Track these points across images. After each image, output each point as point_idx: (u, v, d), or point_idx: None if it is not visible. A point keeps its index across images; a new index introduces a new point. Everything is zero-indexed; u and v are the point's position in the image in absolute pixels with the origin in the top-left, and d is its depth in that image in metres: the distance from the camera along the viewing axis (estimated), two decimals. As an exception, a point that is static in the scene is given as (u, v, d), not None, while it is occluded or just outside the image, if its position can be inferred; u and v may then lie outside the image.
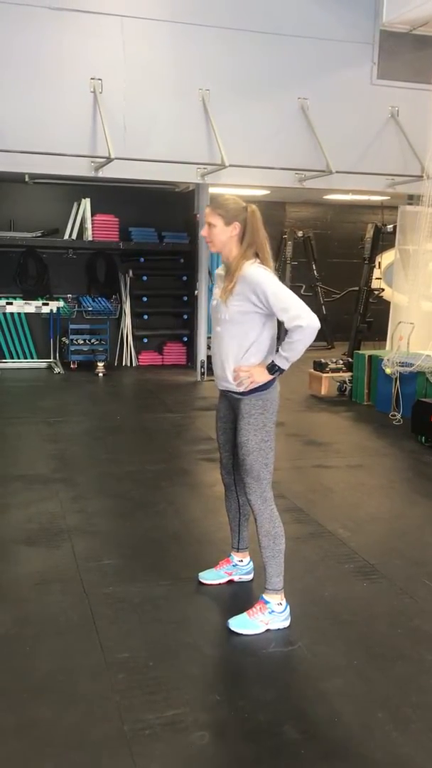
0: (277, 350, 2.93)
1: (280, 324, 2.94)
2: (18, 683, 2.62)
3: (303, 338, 2.80)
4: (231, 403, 3.11)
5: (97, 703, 2.51)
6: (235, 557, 3.43)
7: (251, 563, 3.46)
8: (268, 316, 2.91)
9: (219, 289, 3.04)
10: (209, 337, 8.95)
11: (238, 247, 2.94)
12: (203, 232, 3.01)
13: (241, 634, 2.96)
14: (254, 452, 2.96)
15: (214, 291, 3.12)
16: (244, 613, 3.03)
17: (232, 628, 2.98)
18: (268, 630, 2.99)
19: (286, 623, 3.03)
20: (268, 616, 3.01)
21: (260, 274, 2.86)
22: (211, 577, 3.42)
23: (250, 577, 3.45)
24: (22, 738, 2.34)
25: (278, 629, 3.00)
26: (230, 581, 3.42)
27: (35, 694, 2.56)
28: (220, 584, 3.40)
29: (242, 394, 2.98)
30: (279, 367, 2.88)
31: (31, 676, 2.66)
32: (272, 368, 2.90)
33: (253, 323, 2.92)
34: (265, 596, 3.04)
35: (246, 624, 2.99)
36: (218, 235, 2.94)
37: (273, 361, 2.90)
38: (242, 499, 3.28)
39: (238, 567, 3.43)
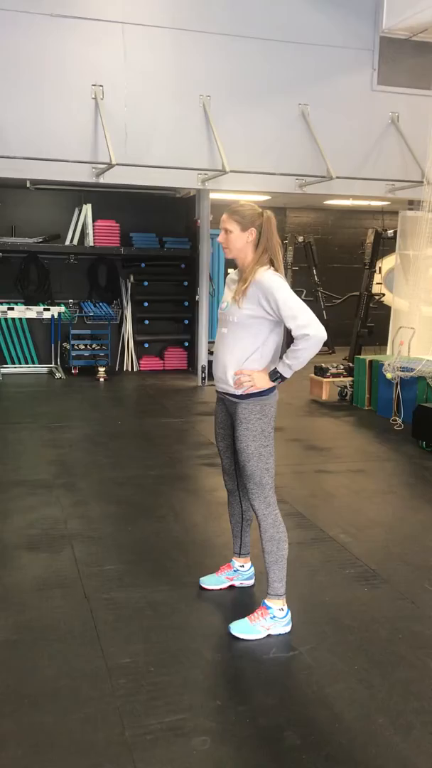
0: (281, 358, 2.94)
1: (286, 333, 2.95)
2: (19, 688, 2.62)
3: (308, 347, 2.81)
4: (228, 408, 3.11)
5: (99, 708, 2.51)
6: (237, 562, 3.43)
7: (252, 568, 3.46)
8: (276, 323, 2.92)
9: (231, 291, 3.04)
10: (210, 342, 8.98)
11: (254, 253, 2.95)
12: (220, 238, 3.02)
13: (243, 639, 2.96)
14: (254, 458, 2.97)
15: (225, 294, 3.12)
16: (246, 618, 3.03)
17: (234, 633, 2.98)
18: (269, 635, 2.99)
19: (287, 628, 3.03)
20: (269, 622, 3.01)
21: (274, 281, 2.88)
22: (213, 582, 3.42)
23: (251, 582, 3.45)
24: (23, 743, 2.34)
25: (279, 634, 3.00)
26: (231, 586, 3.42)
27: (37, 699, 2.56)
28: (221, 589, 3.40)
29: (240, 397, 2.98)
30: (281, 375, 2.90)
31: (32, 682, 2.66)
32: (274, 375, 2.91)
33: (261, 328, 2.93)
34: (267, 601, 3.05)
35: (247, 629, 2.99)
36: (235, 241, 2.96)
37: (275, 368, 2.91)
38: (245, 505, 3.29)
39: (239, 572, 3.43)
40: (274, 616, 3.01)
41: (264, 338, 2.94)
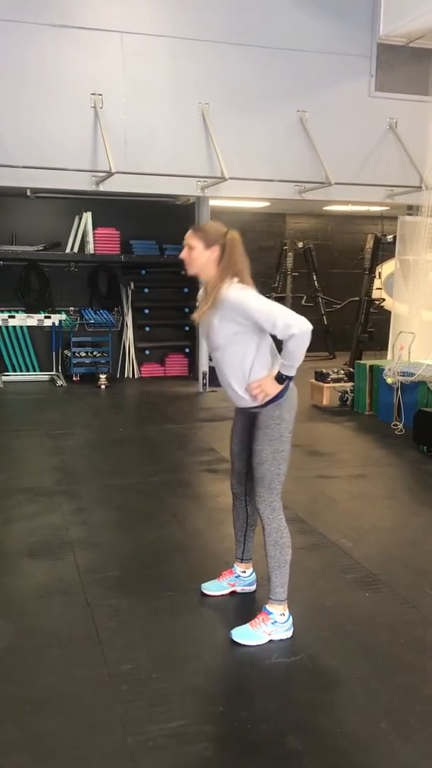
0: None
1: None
2: (22, 695, 2.63)
3: (299, 344, 2.84)
4: (249, 416, 3.14)
5: (101, 714, 2.51)
6: (238, 568, 3.44)
7: (254, 574, 3.46)
8: (260, 330, 2.95)
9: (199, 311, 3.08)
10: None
11: (217, 270, 2.98)
12: (182, 254, 3.06)
13: (244, 645, 2.96)
14: (267, 461, 3.00)
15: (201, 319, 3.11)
16: (247, 624, 3.03)
17: (235, 639, 2.98)
18: (270, 641, 2.99)
19: (289, 634, 3.04)
20: (270, 627, 3.01)
21: (239, 295, 2.90)
22: (214, 588, 3.43)
23: (252, 588, 3.46)
24: (25, 750, 2.34)
25: (281, 640, 3.00)
26: (233, 592, 3.43)
27: (39, 705, 2.57)
28: (222, 595, 3.41)
29: (261, 407, 3.02)
30: (287, 375, 2.93)
31: (34, 688, 2.67)
32: (280, 378, 2.94)
33: (248, 340, 2.97)
34: (268, 607, 3.05)
35: (249, 635, 2.99)
36: (197, 257, 3.00)
37: (279, 371, 2.93)
38: (250, 509, 3.31)
39: (240, 578, 3.44)
40: (276, 622, 3.02)
41: (256, 347, 2.98)
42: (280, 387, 2.96)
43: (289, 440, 3.05)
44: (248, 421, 3.16)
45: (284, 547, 3.04)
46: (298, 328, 2.80)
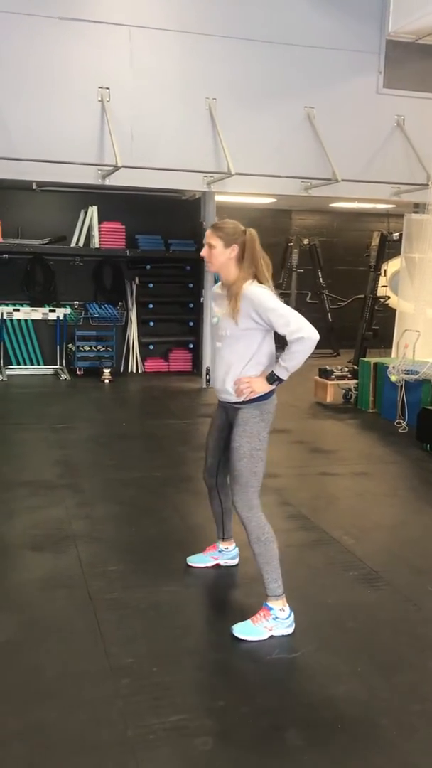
0: (277, 360, 3.02)
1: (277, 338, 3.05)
2: (23, 687, 2.63)
3: (303, 349, 2.90)
4: (228, 413, 3.23)
5: (102, 707, 2.52)
6: (221, 545, 3.63)
7: (236, 549, 3.64)
8: (267, 331, 3.05)
9: (218, 306, 3.18)
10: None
11: (237, 268, 3.07)
12: (203, 252, 3.15)
13: (245, 641, 2.97)
14: (245, 458, 3.05)
15: (213, 309, 3.25)
16: (248, 620, 3.04)
17: (236, 635, 2.99)
18: (272, 636, 3.00)
19: (290, 629, 3.04)
20: (271, 623, 3.02)
21: (259, 294, 2.99)
22: (199, 560, 3.64)
23: (235, 561, 3.64)
24: (26, 741, 2.35)
25: (282, 635, 3.01)
26: (216, 565, 3.61)
27: (40, 698, 2.57)
28: (207, 567, 3.60)
29: (241, 403, 3.08)
30: (278, 377, 2.99)
31: (36, 681, 2.67)
32: (271, 378, 3.00)
33: (253, 338, 3.05)
34: (268, 602, 3.07)
35: (250, 630, 3.00)
36: (217, 256, 3.09)
37: (273, 372, 2.99)
38: (223, 498, 3.48)
39: (224, 552, 3.63)
40: (277, 617, 3.03)
41: (257, 345, 3.06)
42: (269, 388, 3.03)
43: (266, 441, 3.10)
44: (226, 420, 3.25)
45: (268, 542, 3.06)
46: (307, 333, 2.88)
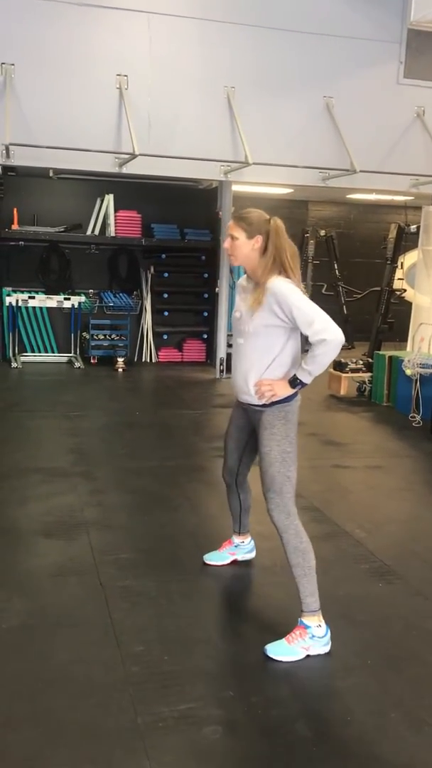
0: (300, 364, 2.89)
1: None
2: (34, 673, 2.65)
3: (327, 351, 2.74)
4: (250, 416, 3.10)
5: (112, 695, 2.53)
6: (237, 539, 3.56)
7: (252, 542, 3.60)
8: (292, 330, 2.88)
9: (242, 300, 3.02)
10: (229, 335, 8.96)
11: (261, 261, 2.90)
12: (225, 244, 2.99)
13: (279, 661, 2.78)
14: (277, 462, 2.90)
15: (237, 302, 3.09)
16: (283, 639, 2.83)
17: (270, 656, 2.78)
18: (308, 656, 2.81)
19: (327, 648, 2.84)
20: (308, 642, 2.82)
21: (285, 288, 2.82)
22: (216, 558, 3.56)
23: (252, 555, 3.60)
24: (36, 726, 2.37)
25: (318, 655, 2.82)
26: (234, 561, 3.54)
27: (50, 684, 2.59)
28: (224, 565, 3.53)
29: (263, 406, 2.95)
30: (301, 381, 2.84)
31: (46, 667, 2.69)
32: (294, 382, 2.86)
33: (277, 337, 2.89)
34: (303, 619, 2.86)
35: (285, 651, 2.80)
36: (240, 248, 2.92)
37: (295, 375, 2.86)
38: (242, 496, 3.42)
39: (240, 547, 3.57)
40: (314, 636, 2.83)
41: (281, 346, 2.90)
42: (291, 391, 2.89)
43: (295, 442, 2.95)
44: (247, 421, 3.13)
45: (306, 552, 2.88)
46: (332, 335, 2.72)
